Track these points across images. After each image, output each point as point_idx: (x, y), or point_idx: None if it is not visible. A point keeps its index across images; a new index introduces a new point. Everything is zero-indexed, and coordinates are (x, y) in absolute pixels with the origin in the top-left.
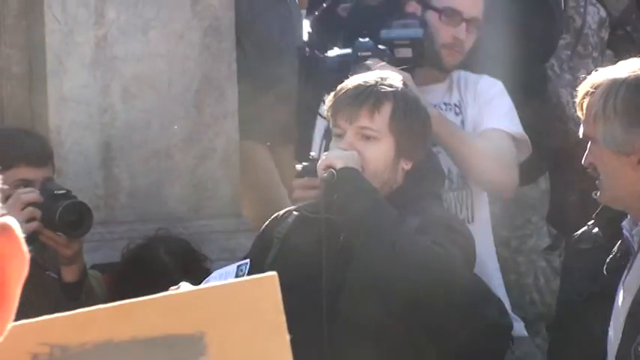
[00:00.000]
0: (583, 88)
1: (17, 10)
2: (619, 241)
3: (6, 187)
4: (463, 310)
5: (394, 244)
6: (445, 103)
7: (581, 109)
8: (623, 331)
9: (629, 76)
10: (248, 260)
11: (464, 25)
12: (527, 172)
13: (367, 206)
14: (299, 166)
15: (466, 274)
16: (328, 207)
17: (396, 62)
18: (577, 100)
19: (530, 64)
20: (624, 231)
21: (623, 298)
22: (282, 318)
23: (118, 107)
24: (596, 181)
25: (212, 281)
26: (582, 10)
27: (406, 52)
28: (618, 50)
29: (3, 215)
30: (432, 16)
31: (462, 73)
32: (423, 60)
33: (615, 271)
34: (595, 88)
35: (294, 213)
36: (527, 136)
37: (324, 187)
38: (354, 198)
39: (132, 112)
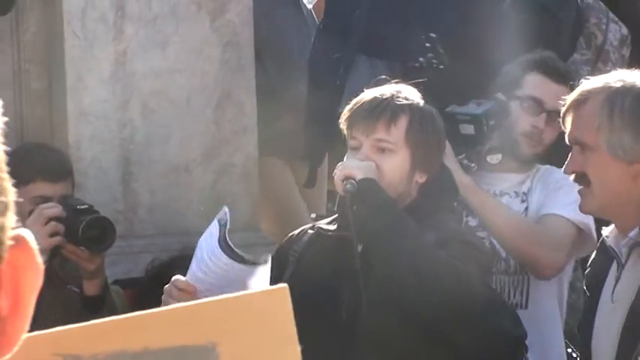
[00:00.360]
0: (573, 96)
1: (36, 26)
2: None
3: (21, 200)
4: (477, 321)
5: (415, 257)
6: (515, 192)
7: (570, 117)
8: (620, 343)
9: (635, 86)
10: (226, 209)
11: (544, 115)
12: None
13: (389, 218)
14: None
15: (483, 288)
16: (347, 220)
17: (460, 138)
18: (563, 109)
19: None
20: (608, 242)
21: (614, 309)
22: (294, 329)
23: (137, 122)
24: (579, 190)
25: (202, 246)
26: (604, 27)
27: (468, 129)
28: None
29: (17, 228)
30: (514, 104)
31: (547, 168)
32: (484, 138)
33: (596, 284)
34: (587, 96)
35: (310, 232)
36: (593, 232)
37: (348, 199)
38: (375, 209)
39: (151, 127)
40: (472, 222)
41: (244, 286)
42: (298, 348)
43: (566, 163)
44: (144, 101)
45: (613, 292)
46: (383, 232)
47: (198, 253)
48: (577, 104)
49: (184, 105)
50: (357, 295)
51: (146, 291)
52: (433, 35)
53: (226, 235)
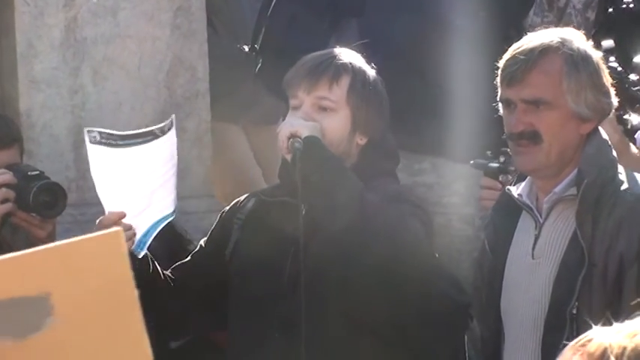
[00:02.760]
0: (528, 56)
1: None
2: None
3: None
4: (422, 286)
5: (363, 212)
6: None
7: (529, 76)
8: (552, 297)
9: (589, 47)
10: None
11: None
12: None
13: (335, 172)
14: (473, 162)
15: (428, 248)
16: (291, 179)
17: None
18: (516, 67)
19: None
20: (522, 200)
21: (536, 265)
22: (129, 271)
23: (88, 89)
24: (520, 149)
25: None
26: None
27: None
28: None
29: None
30: None
31: None
32: None
33: (501, 243)
34: (545, 56)
35: (253, 199)
36: None
37: (296, 155)
38: (321, 165)
39: (102, 94)
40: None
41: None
42: (135, 289)
43: (512, 121)
44: (95, 68)
45: (534, 249)
46: (328, 185)
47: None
48: (535, 63)
49: (135, 71)
50: (298, 262)
51: None
52: None
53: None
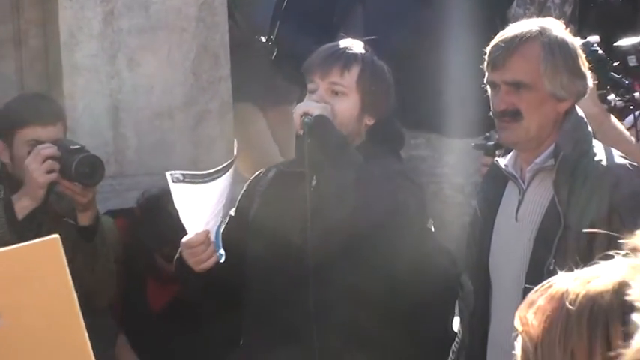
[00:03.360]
0: (510, 42)
1: None
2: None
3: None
4: (415, 257)
5: (358, 181)
6: None
7: (510, 61)
8: (532, 255)
9: (565, 33)
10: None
11: None
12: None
13: (338, 147)
14: (474, 145)
15: (419, 224)
16: (302, 152)
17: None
18: (499, 52)
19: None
20: (507, 170)
21: (519, 227)
22: (68, 277)
23: (124, 74)
24: (503, 124)
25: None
26: None
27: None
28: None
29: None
30: None
31: None
32: None
33: (489, 207)
34: (525, 42)
35: (273, 170)
36: None
37: (305, 131)
38: (326, 140)
39: (137, 79)
40: None
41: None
42: (74, 294)
43: (496, 101)
44: (130, 55)
45: (517, 213)
46: (331, 159)
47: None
48: (516, 49)
49: (165, 58)
50: (305, 232)
51: (136, 219)
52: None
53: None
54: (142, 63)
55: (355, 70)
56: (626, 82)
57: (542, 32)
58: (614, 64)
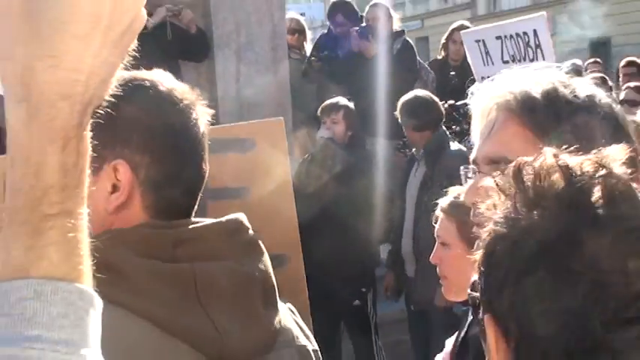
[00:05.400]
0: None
1: None
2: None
3: None
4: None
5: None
6: None
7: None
8: (415, 214)
9: None
10: None
11: None
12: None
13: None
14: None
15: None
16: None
17: None
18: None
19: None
20: (416, 155)
21: (411, 195)
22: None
23: None
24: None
25: None
26: (427, 75)
27: None
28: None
29: None
30: None
31: None
32: None
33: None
34: None
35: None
36: None
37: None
38: (326, 145)
39: None
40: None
41: None
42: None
43: None
44: None
45: (409, 183)
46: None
47: None
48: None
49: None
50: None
51: None
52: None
53: None
54: None
55: (342, 111)
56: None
57: None
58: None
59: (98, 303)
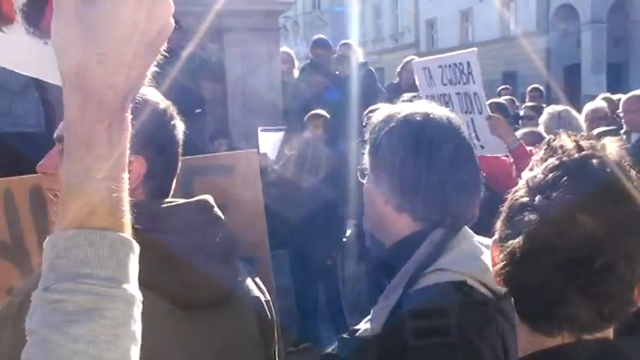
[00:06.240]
0: None
1: None
2: None
3: None
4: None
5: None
6: None
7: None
8: None
9: None
10: None
11: None
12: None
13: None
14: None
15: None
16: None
17: None
18: None
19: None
20: None
21: None
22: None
23: None
24: None
25: None
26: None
27: None
28: None
29: None
30: None
31: None
32: None
33: None
34: None
35: None
36: None
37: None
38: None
39: None
40: None
41: None
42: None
43: None
44: None
45: None
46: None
47: None
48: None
49: None
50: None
51: None
52: None
53: None
54: None
55: (321, 119)
56: None
57: None
58: None
59: (136, 248)
